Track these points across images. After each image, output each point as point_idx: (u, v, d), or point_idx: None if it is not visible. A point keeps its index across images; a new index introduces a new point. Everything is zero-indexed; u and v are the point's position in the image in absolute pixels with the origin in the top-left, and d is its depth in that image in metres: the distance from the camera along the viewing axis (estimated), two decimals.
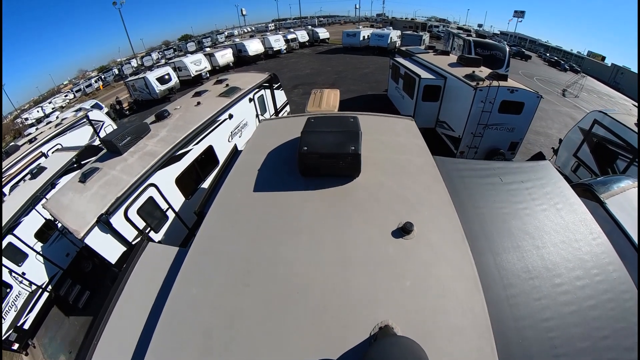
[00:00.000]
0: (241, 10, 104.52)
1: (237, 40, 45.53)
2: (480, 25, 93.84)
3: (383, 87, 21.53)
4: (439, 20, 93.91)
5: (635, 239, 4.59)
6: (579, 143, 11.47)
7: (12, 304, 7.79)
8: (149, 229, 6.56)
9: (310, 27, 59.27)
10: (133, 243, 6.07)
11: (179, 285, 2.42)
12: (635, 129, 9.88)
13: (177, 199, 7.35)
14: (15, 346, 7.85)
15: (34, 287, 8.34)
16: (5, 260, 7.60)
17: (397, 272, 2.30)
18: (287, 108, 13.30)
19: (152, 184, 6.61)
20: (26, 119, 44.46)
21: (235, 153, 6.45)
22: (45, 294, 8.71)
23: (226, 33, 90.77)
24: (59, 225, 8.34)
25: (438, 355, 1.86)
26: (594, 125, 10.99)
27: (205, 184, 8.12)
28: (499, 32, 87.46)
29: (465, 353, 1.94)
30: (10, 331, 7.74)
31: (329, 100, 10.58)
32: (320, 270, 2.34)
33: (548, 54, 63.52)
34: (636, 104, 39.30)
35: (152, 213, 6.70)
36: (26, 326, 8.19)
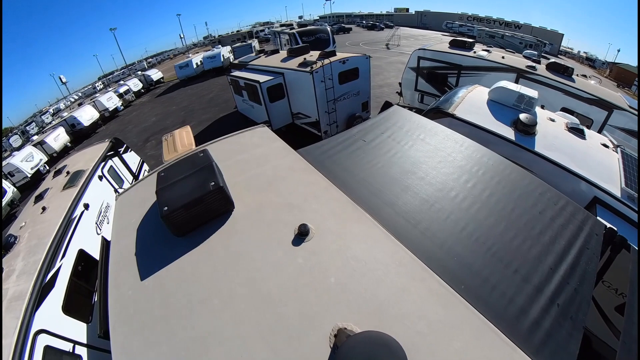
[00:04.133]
0: (60, 79, 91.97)
1: (65, 114, 39.52)
2: (300, 17, 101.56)
3: (232, 105, 21.46)
4: (263, 24, 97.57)
5: (489, 127, 5.70)
6: (414, 79, 13.79)
7: None
8: None
9: (140, 72, 55.56)
10: None
11: None
12: (450, 51, 12.50)
13: (78, 331, 5.97)
14: None
15: None
16: None
17: (317, 276, 2.26)
18: (146, 166, 12.20)
19: (39, 331, 5.27)
20: None
21: (106, 247, 5.62)
22: None
23: (51, 110, 78.51)
24: None
25: (400, 321, 1.91)
26: (419, 61, 13.38)
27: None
28: (318, 17, 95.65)
29: (418, 302, 2.02)
30: None
31: (182, 141, 9.92)
32: (249, 324, 2.13)
33: (364, 21, 72.93)
34: (445, 34, 49.01)
35: None
36: None
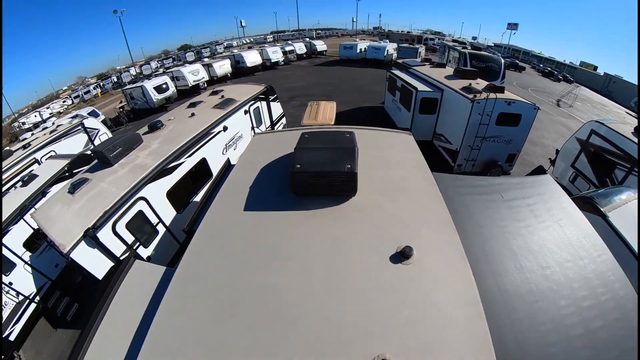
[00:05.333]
0: (240, 22, 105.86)
1: (235, 51, 45.59)
2: (474, 38, 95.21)
3: (379, 99, 21.55)
4: (434, 33, 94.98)
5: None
6: (576, 153, 11.49)
7: None
8: (137, 244, 6.33)
9: (308, 39, 59.77)
10: (121, 258, 5.86)
11: (163, 311, 2.25)
12: (633, 138, 9.96)
13: (168, 213, 7.14)
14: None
15: (21, 297, 8.09)
16: None
17: (394, 301, 2.14)
18: (284, 120, 13.20)
19: (142, 198, 6.40)
20: (23, 124, 44.26)
21: (228, 167, 6.27)
22: (33, 305, 8.45)
23: (225, 44, 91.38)
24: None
25: None
26: (591, 135, 11.07)
27: (198, 198, 7.96)
28: (492, 44, 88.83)
29: None
30: None
31: (325, 113, 10.43)
32: (313, 300, 2.16)
33: (541, 65, 64.19)
34: (630, 112, 40.39)
35: (141, 227, 6.48)
36: (12, 337, 7.93)
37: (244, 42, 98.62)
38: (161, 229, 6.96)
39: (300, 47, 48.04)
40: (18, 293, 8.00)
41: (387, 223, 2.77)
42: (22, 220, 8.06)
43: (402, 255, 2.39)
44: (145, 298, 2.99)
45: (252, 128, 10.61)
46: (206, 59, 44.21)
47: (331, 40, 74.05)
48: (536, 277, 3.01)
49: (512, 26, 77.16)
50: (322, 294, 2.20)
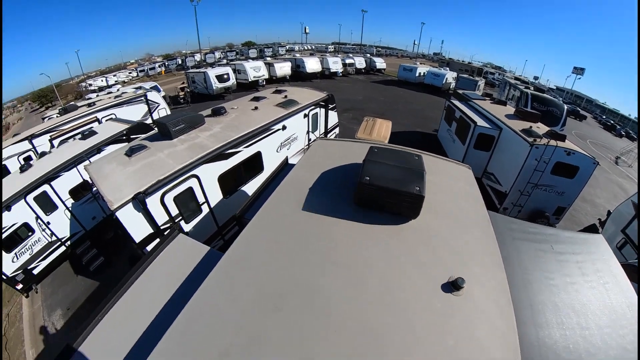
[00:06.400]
0: (305, 28, 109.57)
1: (297, 55, 47.04)
2: (536, 78, 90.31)
3: (432, 126, 21.34)
4: (495, 68, 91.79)
5: None
6: (629, 218, 10.49)
7: (30, 247, 8.25)
8: (180, 218, 6.60)
9: (368, 55, 60.16)
10: (162, 228, 6.12)
11: (204, 291, 2.30)
12: None
13: (215, 196, 7.41)
14: (20, 286, 8.28)
15: (54, 238, 8.80)
16: (35, 207, 8.06)
17: (441, 328, 2.13)
18: (337, 130, 13.39)
19: (195, 175, 6.68)
20: (90, 85, 47.82)
21: (285, 165, 6.42)
22: (62, 248, 9.15)
23: (287, 47, 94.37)
24: (95, 189, 8.74)
25: None
26: None
27: (245, 187, 8.23)
28: (555, 87, 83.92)
29: None
30: (19, 272, 8.16)
31: (380, 130, 10.46)
32: (362, 310, 2.18)
33: (604, 117, 59.07)
34: None
35: (187, 203, 6.75)
36: (35, 271, 8.64)
37: (306, 48, 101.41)
38: (205, 209, 7.22)
39: (360, 62, 48.75)
40: (52, 233, 8.72)
41: (442, 251, 2.77)
42: (75, 169, 8.75)
43: (453, 285, 2.39)
44: (183, 272, 3.09)
45: (308, 132, 10.85)
46: (268, 58, 45.85)
47: (390, 60, 74.00)
48: (575, 335, 2.99)
49: (578, 71, 71.64)
50: (371, 306, 2.22)
